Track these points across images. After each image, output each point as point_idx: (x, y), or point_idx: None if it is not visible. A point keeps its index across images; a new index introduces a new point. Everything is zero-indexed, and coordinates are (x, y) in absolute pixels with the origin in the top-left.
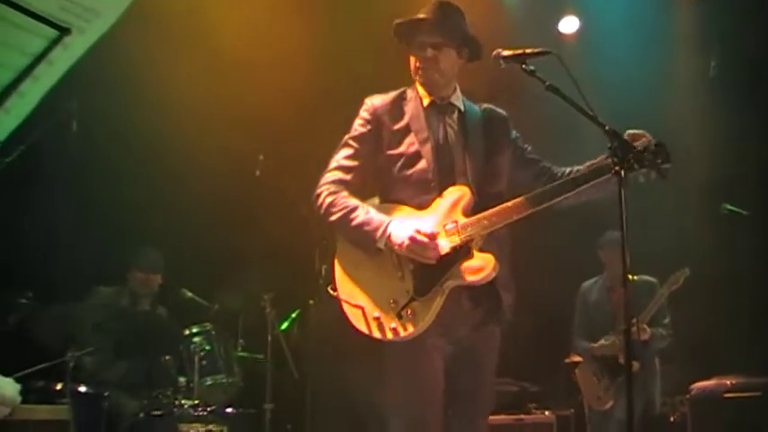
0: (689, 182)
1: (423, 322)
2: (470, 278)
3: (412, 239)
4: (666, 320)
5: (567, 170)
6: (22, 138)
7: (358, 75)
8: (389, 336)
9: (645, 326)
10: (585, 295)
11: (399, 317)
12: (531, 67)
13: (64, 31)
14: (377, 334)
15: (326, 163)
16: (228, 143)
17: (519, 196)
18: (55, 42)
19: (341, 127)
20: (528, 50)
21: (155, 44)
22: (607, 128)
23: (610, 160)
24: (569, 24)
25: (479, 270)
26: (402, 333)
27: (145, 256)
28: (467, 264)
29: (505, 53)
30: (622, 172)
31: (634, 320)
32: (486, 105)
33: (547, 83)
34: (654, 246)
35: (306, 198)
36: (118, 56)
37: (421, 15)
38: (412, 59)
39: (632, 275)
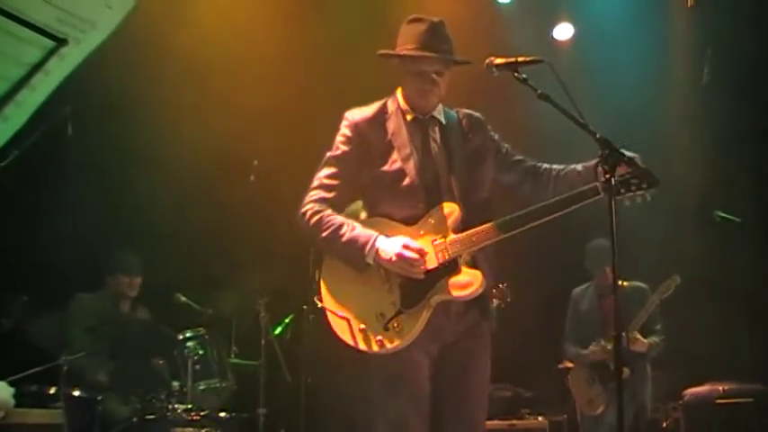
0: (681, 188)
1: (409, 335)
2: (457, 293)
3: (399, 255)
4: (658, 327)
5: (555, 172)
6: (17, 142)
7: (352, 80)
8: (375, 348)
9: (640, 336)
10: (576, 301)
11: (386, 329)
12: (524, 76)
13: (60, 41)
14: (362, 346)
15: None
16: (223, 149)
17: (507, 207)
18: (51, 53)
19: (335, 132)
20: (520, 59)
21: (150, 53)
22: (598, 136)
23: (589, 186)
24: (564, 31)
25: (467, 286)
26: (388, 345)
27: (128, 261)
28: (454, 279)
29: (498, 61)
30: (612, 180)
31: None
32: (463, 111)
33: (539, 91)
34: (645, 252)
35: (300, 203)
36: (114, 62)
37: (422, 51)
38: (411, 81)
39: (623, 281)
